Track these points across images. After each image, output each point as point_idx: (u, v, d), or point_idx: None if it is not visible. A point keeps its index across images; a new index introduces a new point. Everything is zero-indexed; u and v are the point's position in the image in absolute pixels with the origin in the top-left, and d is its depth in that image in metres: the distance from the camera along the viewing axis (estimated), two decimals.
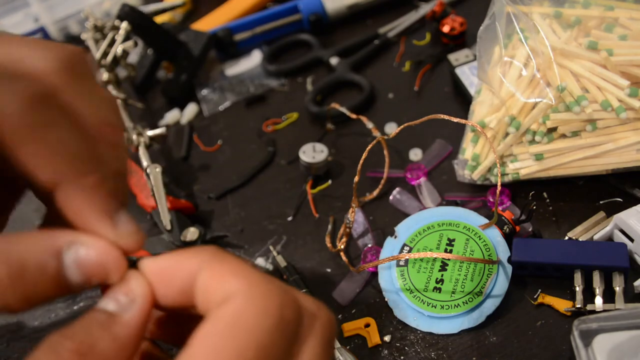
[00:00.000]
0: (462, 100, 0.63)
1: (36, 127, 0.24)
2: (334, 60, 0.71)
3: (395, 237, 0.52)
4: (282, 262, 0.54)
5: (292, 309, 0.25)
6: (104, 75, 0.68)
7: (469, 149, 0.55)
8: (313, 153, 0.59)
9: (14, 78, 0.25)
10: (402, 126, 0.54)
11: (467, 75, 0.63)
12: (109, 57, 0.68)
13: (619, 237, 0.47)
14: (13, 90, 0.24)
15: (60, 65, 0.26)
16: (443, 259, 0.49)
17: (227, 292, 0.24)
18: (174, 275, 0.25)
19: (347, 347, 0.47)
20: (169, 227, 0.55)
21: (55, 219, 0.27)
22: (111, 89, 0.68)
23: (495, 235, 0.49)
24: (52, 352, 0.23)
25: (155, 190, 0.57)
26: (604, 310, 0.43)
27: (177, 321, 0.29)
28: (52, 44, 0.27)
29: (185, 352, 0.23)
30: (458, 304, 0.47)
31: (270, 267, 0.55)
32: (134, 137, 0.62)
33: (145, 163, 0.59)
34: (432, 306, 0.47)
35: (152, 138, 0.63)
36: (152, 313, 0.26)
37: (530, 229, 0.51)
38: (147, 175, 0.58)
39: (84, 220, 0.25)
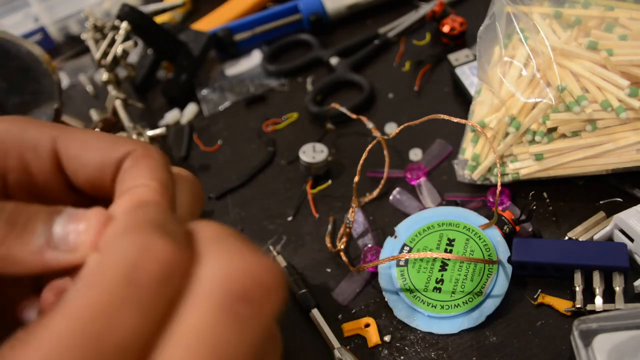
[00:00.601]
0: (462, 100, 0.63)
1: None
2: (334, 60, 0.71)
3: (395, 237, 0.52)
4: (282, 262, 0.54)
5: (157, 258, 0.20)
6: (104, 76, 0.68)
7: (469, 149, 0.55)
8: (313, 153, 0.59)
9: None
10: (402, 126, 0.54)
11: (467, 75, 0.63)
12: (109, 57, 0.68)
13: (619, 237, 0.47)
14: None
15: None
16: (443, 259, 0.49)
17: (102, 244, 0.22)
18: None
19: (347, 347, 0.47)
20: None
21: None
22: (111, 89, 0.68)
23: (495, 235, 0.49)
24: None
25: None
26: (604, 310, 0.43)
27: None
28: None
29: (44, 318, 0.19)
30: (458, 304, 0.47)
31: None
32: (134, 137, 0.62)
33: None
34: (432, 306, 0.47)
35: (152, 138, 0.63)
36: None
37: (530, 229, 0.51)
38: None
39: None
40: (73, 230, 0.24)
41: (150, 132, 0.63)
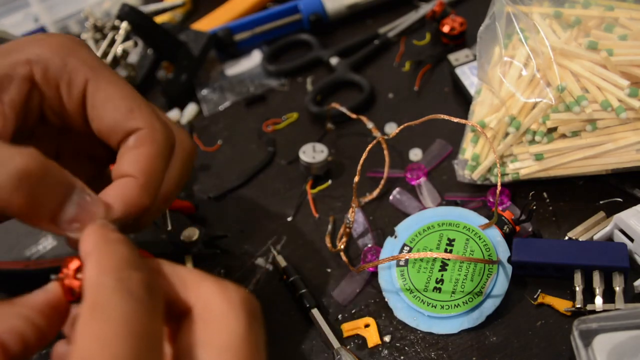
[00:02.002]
0: (462, 100, 0.63)
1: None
2: (334, 60, 0.71)
3: (395, 237, 0.52)
4: (282, 262, 0.54)
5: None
6: None
7: (469, 149, 0.55)
8: (313, 153, 0.59)
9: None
10: (402, 126, 0.54)
11: (467, 75, 0.63)
12: (109, 57, 0.68)
13: (619, 237, 0.47)
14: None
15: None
16: (443, 259, 0.49)
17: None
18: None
19: (347, 347, 0.47)
20: (169, 227, 0.55)
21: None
22: None
23: (495, 235, 0.49)
24: None
25: None
26: (604, 310, 0.44)
27: None
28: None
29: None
30: (458, 304, 0.47)
31: (270, 267, 0.55)
32: None
33: None
34: (432, 306, 0.47)
35: None
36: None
37: (530, 229, 0.51)
38: None
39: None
40: (78, 220, 0.29)
41: None
